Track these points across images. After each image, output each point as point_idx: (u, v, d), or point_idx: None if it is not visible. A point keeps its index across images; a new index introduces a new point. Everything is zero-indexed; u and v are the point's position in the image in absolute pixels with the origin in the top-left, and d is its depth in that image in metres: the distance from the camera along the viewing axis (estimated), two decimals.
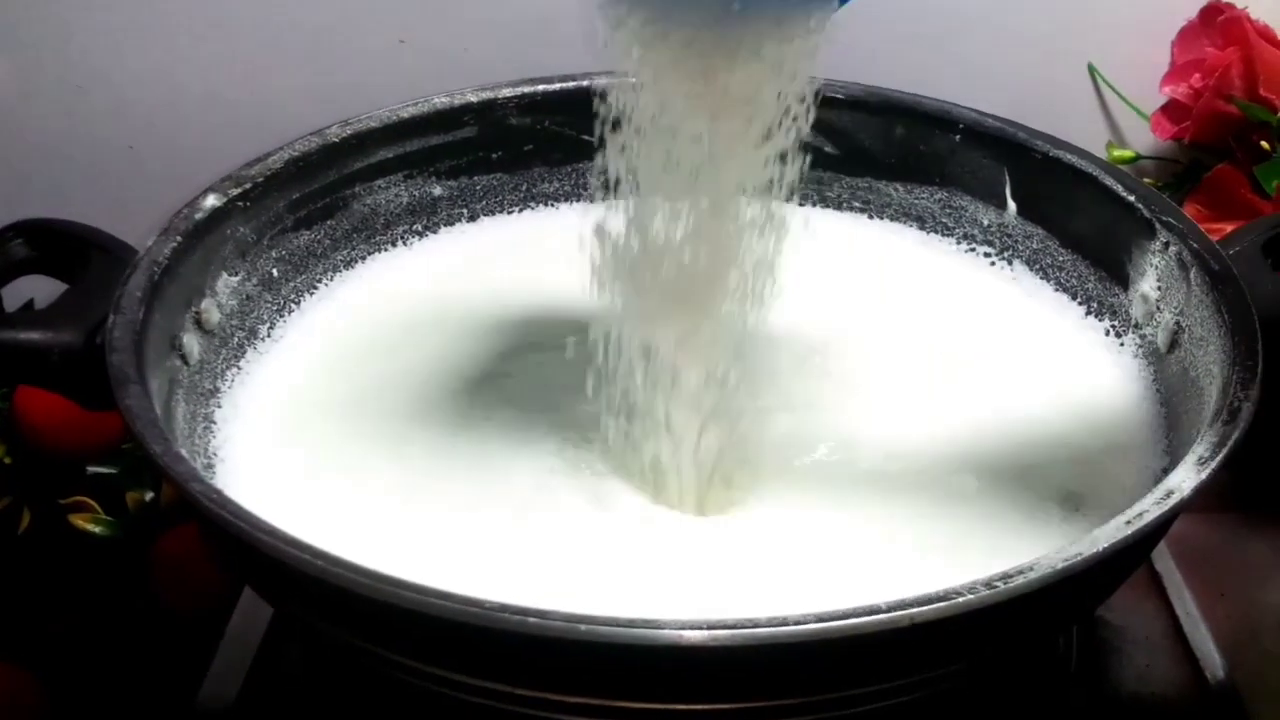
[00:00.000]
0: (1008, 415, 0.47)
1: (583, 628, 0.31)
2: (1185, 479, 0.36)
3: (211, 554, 0.52)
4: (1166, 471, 0.42)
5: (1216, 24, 0.66)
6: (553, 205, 0.57)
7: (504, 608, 0.31)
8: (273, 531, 0.34)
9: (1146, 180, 0.66)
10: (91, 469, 0.59)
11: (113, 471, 0.59)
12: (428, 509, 0.42)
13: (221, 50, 0.65)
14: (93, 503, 0.58)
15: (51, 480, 0.59)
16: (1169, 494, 0.35)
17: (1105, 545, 0.33)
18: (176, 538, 0.57)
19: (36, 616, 0.55)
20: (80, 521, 0.58)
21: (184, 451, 0.38)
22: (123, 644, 0.54)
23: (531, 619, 0.31)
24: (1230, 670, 0.48)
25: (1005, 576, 0.32)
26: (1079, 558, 0.33)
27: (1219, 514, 0.55)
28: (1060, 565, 0.32)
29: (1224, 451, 0.36)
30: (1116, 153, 0.70)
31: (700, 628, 0.31)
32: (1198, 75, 0.66)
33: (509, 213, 0.57)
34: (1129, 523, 0.34)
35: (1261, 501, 0.56)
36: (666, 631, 0.31)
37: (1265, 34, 0.65)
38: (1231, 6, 0.66)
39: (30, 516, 0.58)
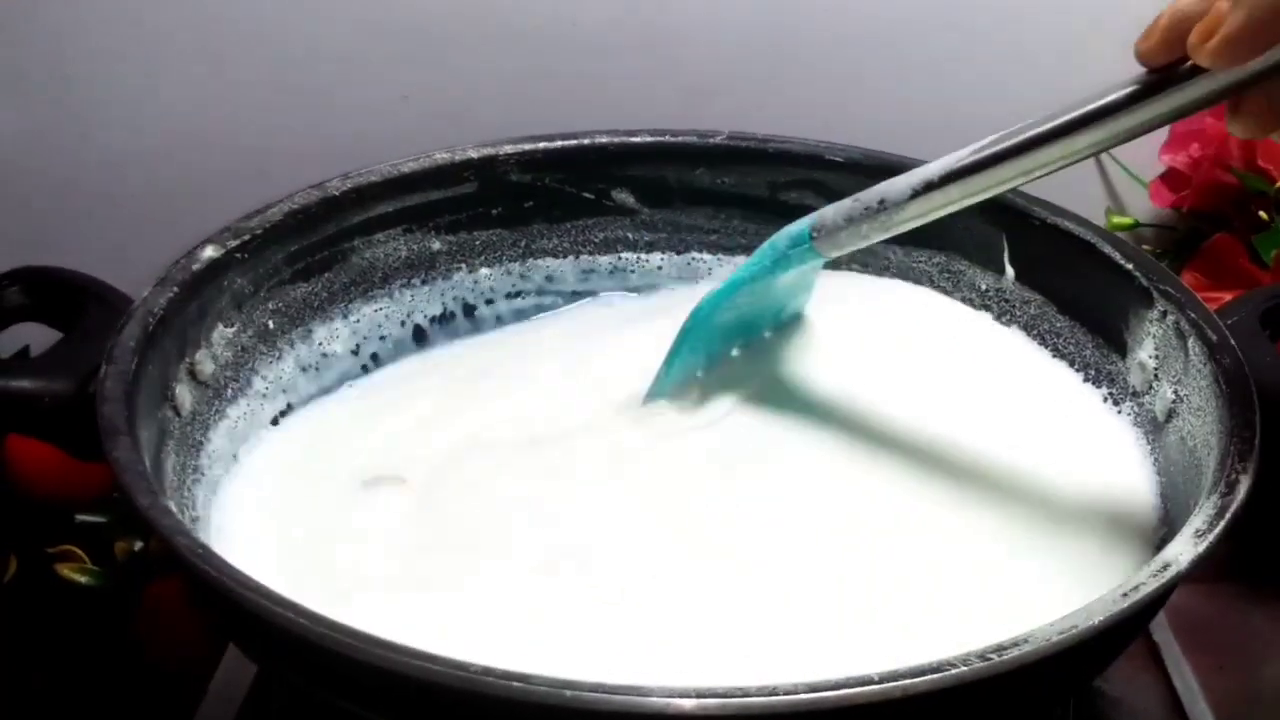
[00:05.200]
0: (1000, 480, 0.46)
1: (568, 693, 0.30)
2: (1183, 551, 0.35)
3: (197, 609, 0.51)
4: (1165, 541, 0.42)
5: None
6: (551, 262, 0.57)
7: (488, 671, 0.31)
8: (258, 589, 0.33)
9: (1145, 247, 0.66)
10: (80, 517, 0.59)
11: (102, 520, 0.59)
12: (414, 566, 0.42)
13: (224, 102, 0.66)
14: (80, 552, 0.58)
15: (40, 528, 0.58)
16: (1166, 566, 0.35)
17: (1101, 618, 0.33)
18: (163, 589, 0.56)
19: (18, 668, 0.54)
20: (67, 571, 0.57)
21: (172, 504, 0.38)
22: (106, 697, 0.53)
23: (515, 684, 0.30)
24: None
25: (1000, 648, 0.31)
26: (1074, 630, 0.32)
27: (1218, 584, 0.55)
28: (1055, 638, 0.32)
29: (1222, 524, 0.36)
30: (1116, 219, 0.70)
31: (689, 696, 0.30)
32: (1196, 145, 0.67)
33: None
34: (1125, 595, 0.33)
35: (1261, 572, 0.56)
36: (654, 699, 0.30)
37: None
38: None
39: (17, 565, 0.58)
